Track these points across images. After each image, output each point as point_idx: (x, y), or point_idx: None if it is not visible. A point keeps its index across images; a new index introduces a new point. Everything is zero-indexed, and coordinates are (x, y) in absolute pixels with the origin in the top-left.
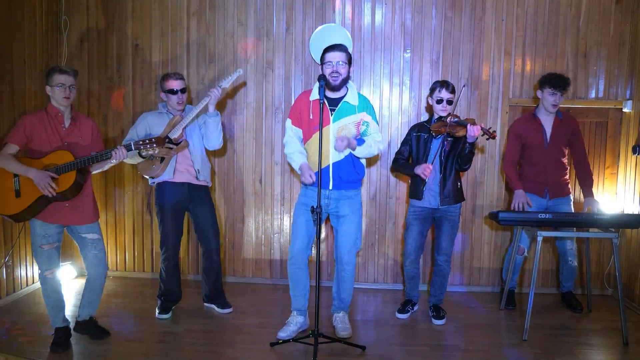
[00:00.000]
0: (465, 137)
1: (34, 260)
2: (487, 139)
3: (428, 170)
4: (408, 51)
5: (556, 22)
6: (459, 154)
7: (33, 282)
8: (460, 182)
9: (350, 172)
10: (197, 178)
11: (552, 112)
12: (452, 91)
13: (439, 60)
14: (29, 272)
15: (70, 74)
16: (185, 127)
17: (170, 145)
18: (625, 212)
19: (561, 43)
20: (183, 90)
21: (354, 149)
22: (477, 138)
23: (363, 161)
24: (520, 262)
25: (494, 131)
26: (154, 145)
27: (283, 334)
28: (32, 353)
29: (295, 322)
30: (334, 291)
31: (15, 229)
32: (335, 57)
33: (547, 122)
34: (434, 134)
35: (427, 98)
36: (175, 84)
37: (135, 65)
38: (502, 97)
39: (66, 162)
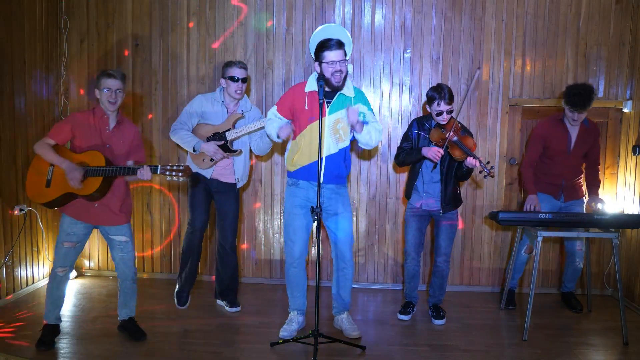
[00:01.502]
0: (461, 160)
1: (34, 260)
2: (485, 177)
3: (439, 154)
4: (408, 51)
5: (556, 22)
6: (457, 169)
7: (33, 282)
8: (459, 188)
9: (340, 166)
10: (235, 185)
11: (575, 125)
12: (450, 100)
13: (439, 60)
14: (29, 272)
15: (117, 77)
16: (242, 136)
17: (227, 154)
18: (625, 212)
19: (561, 43)
20: (244, 80)
21: (361, 130)
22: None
23: (353, 156)
24: (524, 262)
25: (492, 168)
26: (180, 174)
27: (285, 333)
28: (32, 353)
29: (297, 321)
30: (334, 292)
31: (15, 229)
32: (337, 56)
33: (574, 129)
34: (433, 142)
35: (424, 105)
36: (237, 72)
37: (135, 65)
38: (502, 97)
39: (96, 166)
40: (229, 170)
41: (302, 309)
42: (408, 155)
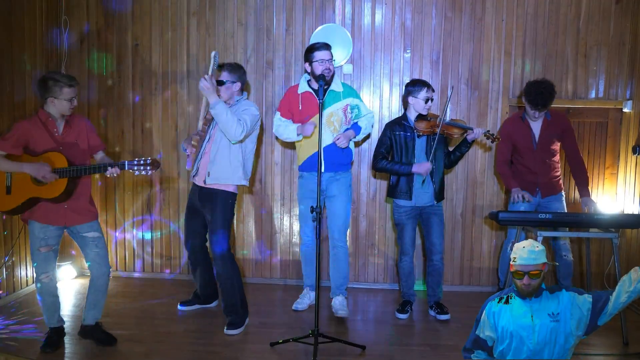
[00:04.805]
0: (463, 138)
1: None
2: (492, 142)
3: (426, 169)
4: (408, 51)
5: (556, 22)
6: (453, 153)
7: (33, 282)
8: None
9: (339, 154)
10: (204, 181)
11: (536, 120)
12: (433, 90)
13: (439, 60)
14: (29, 272)
15: (75, 85)
16: (203, 125)
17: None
18: (625, 212)
19: (561, 43)
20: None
21: (354, 137)
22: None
23: (351, 145)
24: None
25: (494, 134)
26: (148, 167)
27: (298, 306)
28: (32, 353)
29: (309, 297)
30: (330, 274)
31: (15, 229)
32: (326, 55)
33: (536, 124)
34: (421, 133)
35: (406, 97)
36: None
37: (135, 65)
38: (502, 97)
39: (60, 167)
40: (204, 168)
41: (312, 284)
42: (394, 167)
